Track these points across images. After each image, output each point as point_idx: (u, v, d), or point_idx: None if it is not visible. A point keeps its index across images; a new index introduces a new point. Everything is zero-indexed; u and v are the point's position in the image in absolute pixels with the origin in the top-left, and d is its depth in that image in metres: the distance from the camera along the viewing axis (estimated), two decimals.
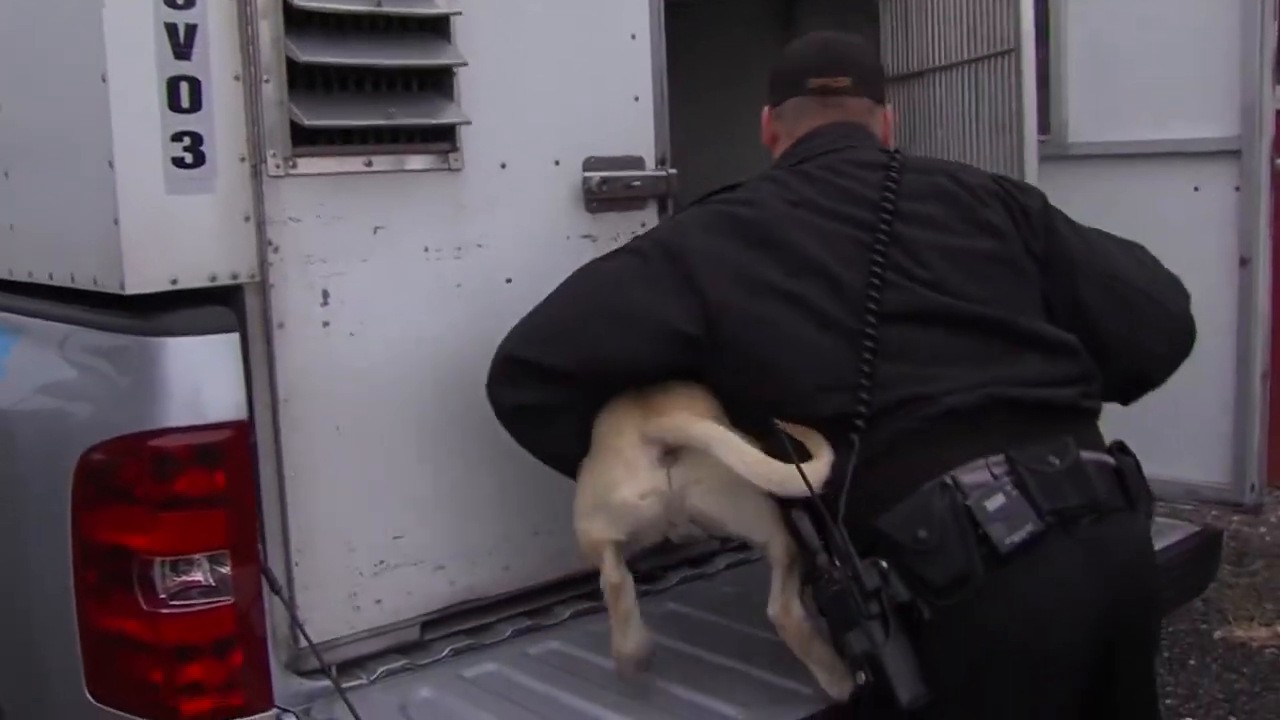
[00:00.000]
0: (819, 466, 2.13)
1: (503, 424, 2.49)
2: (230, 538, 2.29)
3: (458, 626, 2.77)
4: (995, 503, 2.06)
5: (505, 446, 2.71)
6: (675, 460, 2.32)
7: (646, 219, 2.96)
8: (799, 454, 2.12)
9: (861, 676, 2.03)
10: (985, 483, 2.09)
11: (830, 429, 2.18)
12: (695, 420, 2.28)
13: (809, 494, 2.09)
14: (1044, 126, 3.48)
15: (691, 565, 3.19)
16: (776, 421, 2.16)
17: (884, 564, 2.05)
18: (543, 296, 2.61)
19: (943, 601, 2.04)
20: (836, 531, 2.07)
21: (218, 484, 2.27)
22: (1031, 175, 3.31)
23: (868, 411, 2.14)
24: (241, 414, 2.27)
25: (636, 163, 2.92)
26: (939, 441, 2.13)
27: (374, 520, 2.61)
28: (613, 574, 2.43)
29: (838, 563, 2.07)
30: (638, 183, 2.90)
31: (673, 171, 2.97)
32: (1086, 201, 3.04)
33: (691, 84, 3.27)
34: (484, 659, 2.67)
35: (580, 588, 2.94)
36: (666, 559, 3.03)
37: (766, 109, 2.68)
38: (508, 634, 2.80)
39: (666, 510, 2.36)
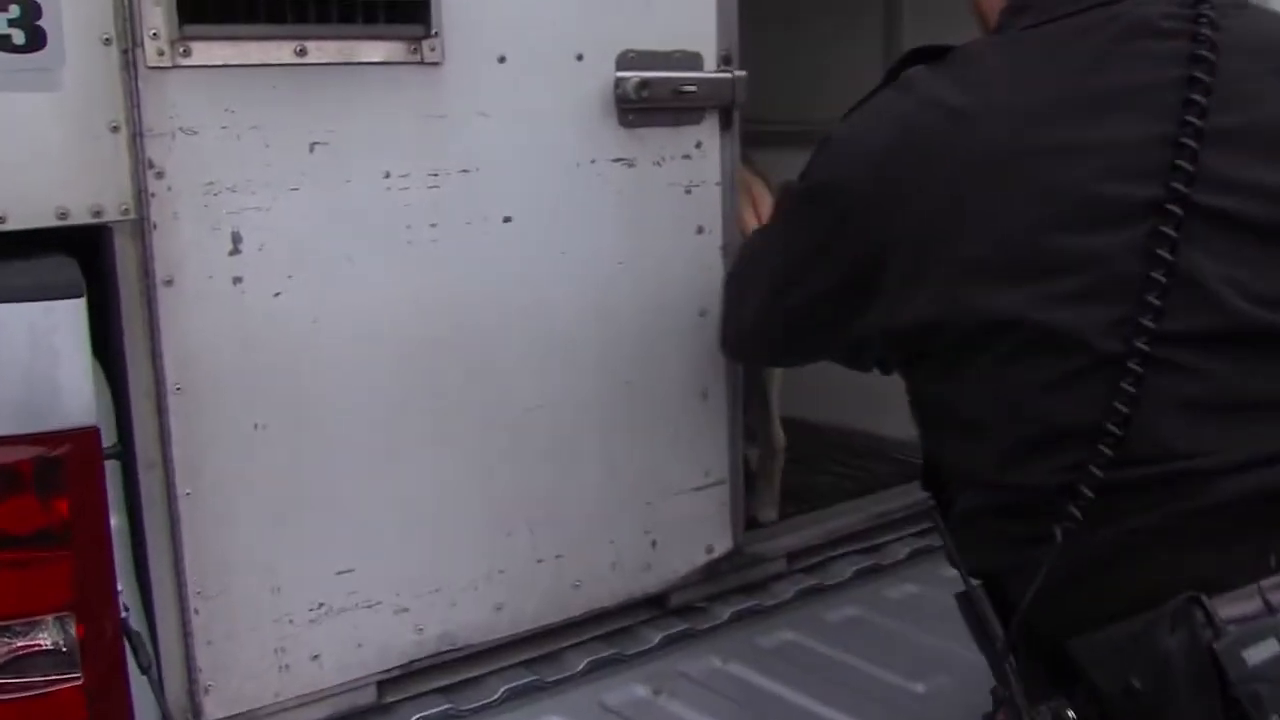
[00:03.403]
0: None
1: None
2: (77, 590, 1.59)
3: (430, 685, 2.08)
4: (1261, 654, 1.35)
5: (496, 445, 2.02)
6: None
7: (703, 137, 2.19)
8: None
9: None
10: (1253, 616, 1.37)
11: (1028, 508, 1.48)
12: None
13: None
14: None
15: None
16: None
17: (1070, 714, 1.45)
18: (552, 242, 2.06)
19: None
20: (1007, 652, 1.50)
21: (58, 515, 1.58)
22: None
23: (1093, 493, 1.42)
24: (90, 417, 1.55)
25: (691, 60, 2.15)
26: (1193, 544, 1.43)
27: (310, 549, 1.92)
28: None
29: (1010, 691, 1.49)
30: (692, 87, 2.12)
31: (740, 74, 2.20)
32: None
33: None
34: None
35: (600, 628, 2.23)
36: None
37: None
38: (499, 694, 2.10)
39: None
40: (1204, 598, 1.37)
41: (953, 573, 2.54)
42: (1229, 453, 1.42)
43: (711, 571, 2.36)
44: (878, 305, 1.57)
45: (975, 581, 1.60)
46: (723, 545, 2.36)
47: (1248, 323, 1.43)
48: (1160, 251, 1.41)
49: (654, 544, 2.26)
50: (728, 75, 2.17)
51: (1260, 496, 1.41)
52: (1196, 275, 1.42)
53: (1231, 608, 1.37)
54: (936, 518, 1.67)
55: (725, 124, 2.21)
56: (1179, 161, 1.43)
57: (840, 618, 2.42)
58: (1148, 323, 1.40)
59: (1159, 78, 1.50)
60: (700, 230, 2.21)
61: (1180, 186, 1.42)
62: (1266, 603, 1.38)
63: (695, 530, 2.32)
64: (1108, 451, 1.41)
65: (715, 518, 2.34)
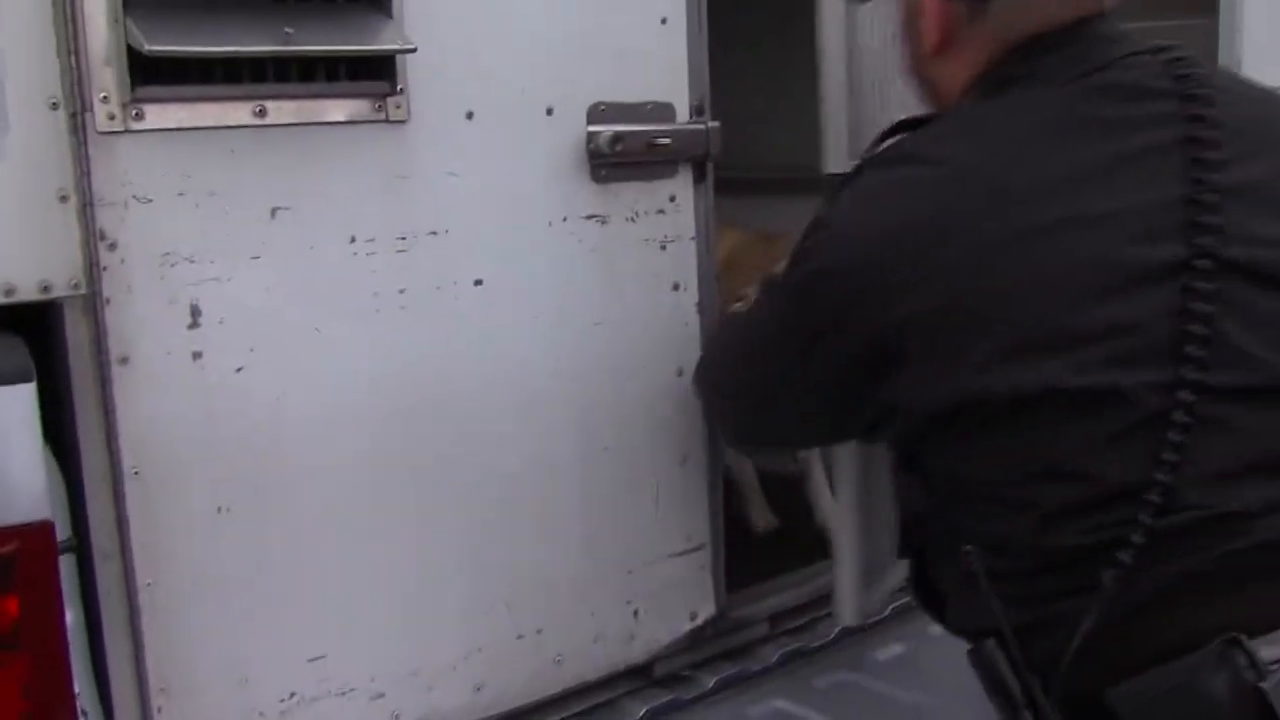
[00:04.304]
0: None
1: None
2: (30, 697, 1.49)
3: None
4: None
5: (473, 518, 1.96)
6: None
7: (677, 191, 2.12)
8: None
9: None
10: None
11: (1068, 564, 1.47)
12: None
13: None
14: None
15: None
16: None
17: None
18: (526, 305, 1.96)
19: None
20: (1041, 702, 1.48)
21: (8, 616, 1.48)
22: None
23: (1142, 539, 1.42)
24: (43, 510, 1.44)
25: (664, 112, 2.08)
26: (1234, 586, 1.43)
27: (279, 637, 1.81)
28: None
29: None
30: (666, 139, 2.05)
31: (714, 124, 2.13)
32: None
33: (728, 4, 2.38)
34: None
35: (582, 703, 2.13)
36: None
37: None
38: None
39: None
40: (1243, 639, 1.37)
41: (940, 629, 2.50)
42: (1263, 491, 1.43)
43: (695, 638, 2.27)
44: (895, 382, 1.53)
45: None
46: (706, 611, 2.27)
47: (1270, 377, 1.45)
48: (1194, 306, 1.41)
49: (636, 613, 2.17)
50: (701, 126, 2.10)
51: None
52: (1229, 330, 1.42)
53: (1272, 649, 1.39)
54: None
55: (699, 177, 2.13)
56: (1201, 218, 1.44)
57: (828, 683, 2.34)
58: (1192, 376, 1.41)
59: (1162, 139, 1.52)
60: (676, 287, 2.13)
61: (1207, 242, 1.42)
62: None
63: (678, 597, 2.22)
64: (1156, 500, 1.41)
65: (698, 583, 2.25)
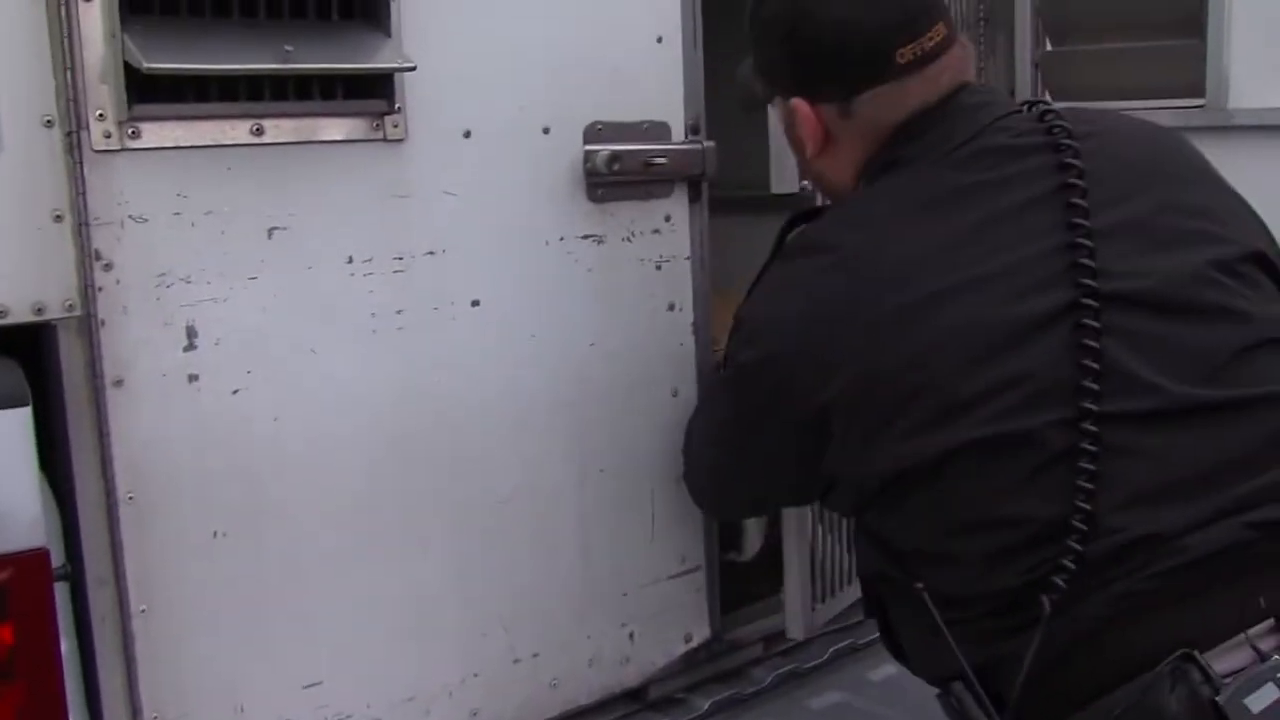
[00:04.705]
0: None
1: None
2: None
3: None
4: (1264, 700, 1.39)
5: (470, 541, 1.94)
6: None
7: (672, 210, 2.11)
8: None
9: None
10: (1247, 667, 1.41)
11: (1016, 601, 1.49)
12: None
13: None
14: (1197, 89, 2.61)
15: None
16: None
17: None
18: (523, 325, 1.95)
19: None
20: None
21: (3, 645, 1.46)
22: None
23: (1075, 566, 1.44)
24: (39, 538, 1.41)
25: (660, 131, 2.07)
26: (1174, 603, 1.45)
27: (274, 663, 1.78)
28: None
29: None
30: (662, 159, 2.04)
31: (709, 144, 2.12)
32: (1251, 182, 2.23)
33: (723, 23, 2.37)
34: None
35: None
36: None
37: (802, 104, 1.71)
38: None
39: None
40: (1196, 654, 1.40)
41: None
42: (1185, 513, 1.46)
43: (689, 661, 2.25)
44: (829, 458, 1.60)
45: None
46: (701, 633, 2.25)
47: (1176, 399, 1.48)
48: (1085, 343, 1.46)
49: (631, 636, 2.15)
50: (697, 146, 2.09)
51: (1221, 553, 1.44)
52: (1120, 360, 1.47)
53: (1224, 661, 1.41)
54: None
55: (695, 196, 2.12)
56: (1080, 261, 1.49)
57: (824, 704, 2.33)
58: (1091, 407, 1.45)
59: (1034, 194, 1.57)
60: (672, 307, 2.12)
61: (1089, 282, 1.48)
62: (1257, 651, 1.42)
63: (673, 619, 2.21)
64: (1082, 527, 1.44)
65: (693, 605, 2.23)
